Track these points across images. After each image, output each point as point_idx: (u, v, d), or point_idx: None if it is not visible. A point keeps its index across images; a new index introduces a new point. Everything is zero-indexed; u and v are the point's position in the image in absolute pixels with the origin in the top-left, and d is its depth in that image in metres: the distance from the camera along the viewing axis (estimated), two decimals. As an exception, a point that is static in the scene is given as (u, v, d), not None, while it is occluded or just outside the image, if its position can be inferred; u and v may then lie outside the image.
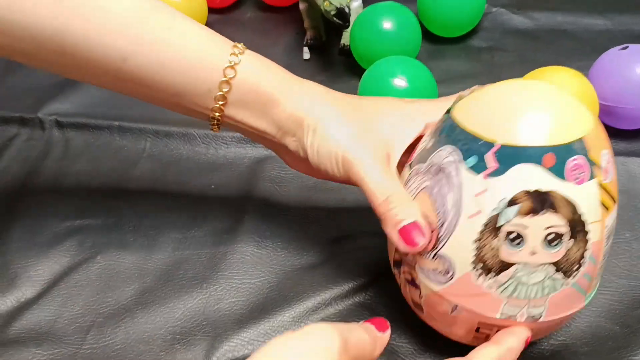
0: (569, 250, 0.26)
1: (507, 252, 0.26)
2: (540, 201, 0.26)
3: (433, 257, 0.28)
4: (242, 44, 0.33)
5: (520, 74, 0.47)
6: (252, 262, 0.39)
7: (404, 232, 0.29)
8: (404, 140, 0.32)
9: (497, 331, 0.29)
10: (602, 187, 0.27)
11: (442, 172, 0.28)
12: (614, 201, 0.28)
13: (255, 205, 0.42)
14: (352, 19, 0.51)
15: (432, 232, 0.28)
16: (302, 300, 0.36)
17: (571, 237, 0.26)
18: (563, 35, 0.54)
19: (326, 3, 0.47)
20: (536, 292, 0.27)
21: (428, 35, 0.54)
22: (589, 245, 0.27)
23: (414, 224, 0.28)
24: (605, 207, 0.27)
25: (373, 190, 0.30)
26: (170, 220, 0.42)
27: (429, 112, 0.32)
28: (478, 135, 0.27)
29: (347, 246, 0.39)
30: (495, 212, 0.26)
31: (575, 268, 0.27)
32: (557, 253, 0.26)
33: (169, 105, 0.34)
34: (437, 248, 0.28)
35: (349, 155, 0.31)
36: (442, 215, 0.28)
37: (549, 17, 0.55)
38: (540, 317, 0.28)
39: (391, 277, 0.33)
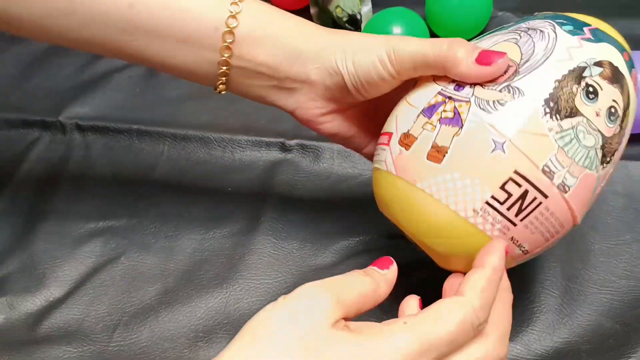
0: (615, 134, 0.29)
1: (580, 101, 0.28)
2: (617, 76, 0.29)
3: (502, 89, 0.29)
4: None
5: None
6: (270, 263, 0.41)
7: (483, 55, 0.29)
8: None
9: (518, 197, 0.28)
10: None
11: (534, 29, 0.30)
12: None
13: (270, 207, 0.44)
14: (362, 24, 0.52)
15: (511, 67, 0.29)
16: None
17: (621, 122, 0.30)
18: (568, 39, 0.55)
19: (338, 10, 0.49)
20: (581, 157, 0.28)
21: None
22: (621, 145, 0.31)
23: (490, 50, 0.29)
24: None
25: (433, 45, 0.30)
26: (189, 222, 0.44)
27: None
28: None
29: (360, 247, 0.41)
30: (583, 65, 0.29)
31: (608, 158, 0.30)
32: (610, 128, 0.29)
33: (176, 61, 0.33)
34: (512, 80, 0.29)
35: (396, 43, 0.31)
36: (526, 56, 0.29)
37: (554, 21, 0.57)
38: (568, 190, 0.28)
39: (405, 276, 0.35)
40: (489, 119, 0.28)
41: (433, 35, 0.55)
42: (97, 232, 0.43)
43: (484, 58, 0.29)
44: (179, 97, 0.52)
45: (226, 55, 0.32)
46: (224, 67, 0.33)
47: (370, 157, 0.36)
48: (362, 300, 0.27)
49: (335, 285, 0.26)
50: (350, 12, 0.48)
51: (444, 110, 0.29)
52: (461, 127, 0.28)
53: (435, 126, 0.29)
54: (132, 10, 0.31)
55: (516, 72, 0.29)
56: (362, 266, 0.39)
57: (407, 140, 0.30)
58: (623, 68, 0.30)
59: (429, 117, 0.29)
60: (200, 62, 0.33)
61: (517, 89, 0.28)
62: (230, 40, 0.32)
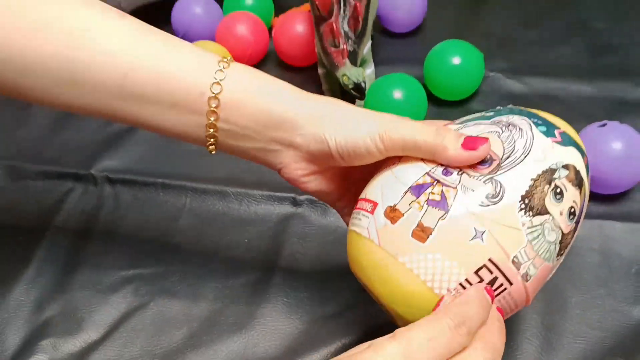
0: (570, 231, 0.33)
1: (549, 200, 0.32)
2: (579, 179, 0.33)
3: (486, 181, 0.32)
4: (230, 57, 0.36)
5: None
6: (283, 311, 0.46)
7: (468, 141, 0.32)
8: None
9: (488, 282, 0.31)
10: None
11: (514, 126, 0.34)
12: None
13: (283, 258, 0.49)
14: (366, 88, 0.57)
15: (494, 160, 0.32)
16: (329, 344, 0.43)
17: (576, 220, 0.33)
18: (553, 101, 0.60)
19: (345, 77, 0.54)
20: (544, 251, 0.32)
21: (433, 99, 0.61)
22: (573, 239, 0.34)
23: (473, 137, 0.32)
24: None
25: (425, 130, 0.33)
26: (210, 271, 0.49)
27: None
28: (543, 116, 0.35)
29: (366, 294, 0.46)
30: (554, 166, 0.33)
31: (563, 251, 0.33)
32: (568, 226, 0.33)
33: (168, 124, 0.36)
34: (495, 173, 0.32)
35: (388, 124, 0.33)
36: (507, 151, 0.33)
37: (541, 83, 0.62)
38: (529, 279, 0.32)
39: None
40: (473, 208, 0.31)
41: (430, 95, 0.61)
42: (127, 279, 0.48)
43: (470, 143, 0.32)
44: (199, 151, 0.56)
45: (212, 118, 0.35)
46: (211, 130, 0.35)
47: (339, 209, 0.41)
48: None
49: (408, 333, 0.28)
50: (356, 81, 0.53)
51: (432, 193, 0.32)
52: (447, 212, 0.31)
53: (423, 206, 0.32)
54: (127, 80, 0.35)
55: (499, 166, 0.32)
56: (366, 315, 0.45)
57: (393, 214, 0.32)
58: (583, 172, 0.34)
59: (417, 197, 0.32)
60: (189, 125, 0.36)
61: (500, 183, 0.32)
62: (215, 105, 0.34)
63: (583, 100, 0.60)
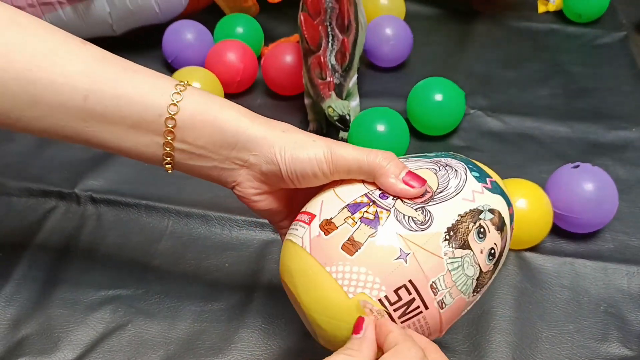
0: (488, 271, 0.36)
1: (472, 237, 0.35)
2: (502, 225, 0.36)
3: (417, 209, 0.35)
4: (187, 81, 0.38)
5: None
6: (260, 336, 0.46)
7: (409, 176, 0.35)
8: None
9: (405, 302, 0.33)
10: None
11: (451, 167, 0.37)
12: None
13: (262, 285, 0.50)
14: (351, 120, 0.59)
15: (428, 192, 0.35)
16: (302, 372, 0.44)
17: (495, 262, 0.36)
18: (529, 139, 0.63)
19: (330, 109, 0.56)
20: (461, 283, 0.34)
21: (415, 133, 0.63)
22: (490, 281, 0.36)
23: (416, 175, 0.35)
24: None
25: (368, 155, 0.35)
26: (190, 294, 0.49)
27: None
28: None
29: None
30: (481, 208, 0.36)
31: (479, 289, 0.36)
32: (487, 265, 0.35)
33: (127, 144, 0.38)
34: (427, 203, 0.35)
35: (334, 148, 0.36)
36: (441, 187, 0.36)
37: (518, 122, 0.64)
38: (444, 307, 0.34)
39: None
40: (401, 231, 0.34)
41: (412, 129, 0.62)
42: (107, 299, 0.49)
43: (410, 180, 0.35)
44: (184, 174, 0.58)
45: (169, 138, 0.37)
46: (168, 149, 0.37)
47: (281, 229, 0.42)
48: None
49: None
50: (341, 113, 0.55)
51: (367, 212, 0.34)
52: (377, 230, 0.34)
53: (356, 223, 0.34)
54: (87, 102, 0.36)
55: (431, 198, 0.35)
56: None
57: (328, 227, 0.35)
58: (507, 219, 0.37)
59: (352, 213, 0.35)
60: (148, 145, 0.37)
61: (430, 212, 0.35)
62: (172, 125, 0.36)
63: (558, 141, 0.62)
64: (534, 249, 0.51)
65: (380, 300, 0.33)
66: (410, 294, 0.33)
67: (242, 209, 0.54)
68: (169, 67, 0.70)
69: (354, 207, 0.35)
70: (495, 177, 0.39)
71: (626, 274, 0.49)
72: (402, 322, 0.34)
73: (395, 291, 0.33)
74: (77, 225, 0.54)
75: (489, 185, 0.37)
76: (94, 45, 0.38)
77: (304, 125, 0.65)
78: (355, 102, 0.62)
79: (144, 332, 0.46)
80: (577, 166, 0.51)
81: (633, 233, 0.53)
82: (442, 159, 0.38)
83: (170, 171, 0.39)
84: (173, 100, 0.37)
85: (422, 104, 0.62)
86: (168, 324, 0.47)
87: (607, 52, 0.74)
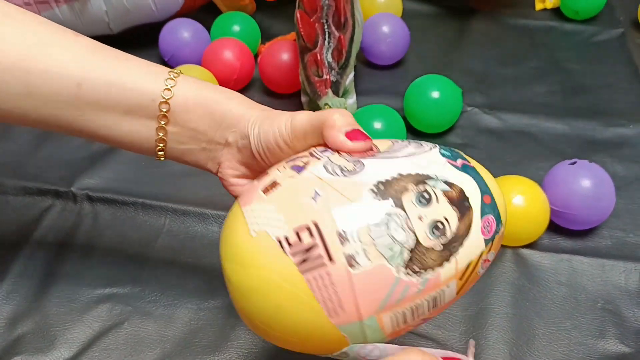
0: (433, 249, 0.30)
1: (409, 198, 0.30)
2: (462, 204, 0.31)
3: (351, 160, 0.32)
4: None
5: (489, 171, 0.56)
6: (257, 335, 0.46)
7: (353, 133, 0.33)
8: None
9: (306, 248, 0.29)
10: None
11: (420, 144, 0.34)
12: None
13: (260, 282, 0.50)
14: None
15: (373, 151, 0.33)
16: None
17: (445, 243, 0.30)
18: (527, 137, 0.63)
19: (327, 107, 0.56)
20: (383, 244, 0.29)
21: (412, 130, 0.63)
22: (444, 270, 0.30)
23: (360, 131, 0.34)
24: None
25: (318, 114, 0.35)
26: (187, 292, 0.49)
27: None
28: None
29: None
30: (433, 176, 0.31)
31: (417, 268, 0.30)
32: (429, 240, 0.30)
33: (121, 132, 0.38)
34: (364, 157, 0.32)
35: (295, 117, 0.36)
36: (392, 151, 0.33)
37: (516, 119, 0.64)
38: (356, 267, 0.29)
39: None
40: (323, 175, 0.31)
41: (409, 127, 0.62)
42: (103, 298, 0.48)
43: (351, 134, 0.34)
44: (181, 172, 0.58)
45: (162, 122, 0.38)
46: (161, 134, 0.38)
47: None
48: None
49: None
50: (337, 110, 0.55)
51: (299, 160, 0.33)
52: (298, 173, 0.32)
53: (285, 168, 0.33)
54: (80, 89, 0.37)
55: (373, 155, 0.32)
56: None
57: (261, 176, 0.35)
58: (475, 204, 0.32)
59: (286, 163, 0.34)
60: (141, 130, 0.38)
61: (363, 164, 0.32)
62: (166, 109, 0.37)
63: (555, 138, 0.62)
64: (531, 245, 0.51)
65: (279, 240, 0.30)
66: (312, 236, 0.29)
67: (238, 207, 0.55)
68: (166, 66, 0.70)
69: (291, 161, 0.34)
70: (478, 166, 0.34)
71: (623, 271, 0.49)
72: (304, 274, 0.29)
73: (297, 231, 0.30)
74: (73, 223, 0.54)
75: (457, 164, 0.33)
76: (87, 37, 0.39)
77: (301, 123, 0.65)
78: (352, 99, 0.62)
79: (140, 331, 0.46)
80: (574, 163, 0.51)
81: (630, 230, 0.53)
82: (425, 144, 0.35)
83: (162, 159, 0.40)
84: (167, 86, 0.38)
85: (419, 102, 0.62)
86: (165, 322, 0.47)
87: (605, 49, 0.74)
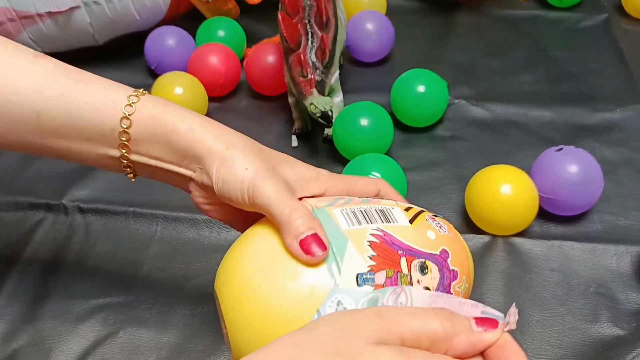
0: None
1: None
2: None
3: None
4: (142, 89, 0.38)
5: (478, 162, 0.56)
6: (252, 336, 0.46)
7: (305, 242, 0.32)
8: (305, 189, 0.36)
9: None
10: None
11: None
12: None
13: (253, 284, 0.50)
14: (334, 115, 0.59)
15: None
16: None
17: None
18: (515, 126, 0.63)
19: (312, 106, 0.56)
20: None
21: (400, 125, 0.63)
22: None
23: (315, 236, 0.32)
24: None
25: (279, 205, 0.33)
26: (180, 298, 0.49)
27: (331, 181, 0.38)
28: None
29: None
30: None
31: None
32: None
33: (87, 157, 0.38)
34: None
35: (258, 183, 0.34)
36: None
37: (503, 109, 0.64)
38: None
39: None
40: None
41: (397, 122, 0.62)
42: (97, 308, 0.49)
43: (305, 245, 0.32)
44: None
45: (124, 151, 0.37)
46: (125, 161, 0.38)
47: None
48: (419, 337, 0.28)
49: (395, 321, 0.28)
50: (323, 109, 0.55)
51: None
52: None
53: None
54: (40, 119, 0.37)
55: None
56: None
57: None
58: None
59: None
60: (106, 157, 0.38)
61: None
62: (126, 139, 0.37)
63: (543, 126, 0.62)
64: (521, 234, 0.51)
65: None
66: None
67: (229, 211, 0.55)
68: (153, 74, 0.70)
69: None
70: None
71: (615, 254, 0.49)
72: None
73: None
74: (65, 235, 0.55)
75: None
76: (47, 57, 0.38)
77: (289, 125, 0.65)
78: (338, 98, 0.62)
79: (135, 339, 0.46)
80: (561, 149, 0.51)
81: (620, 213, 0.53)
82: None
83: (133, 180, 0.40)
84: (125, 113, 0.36)
85: (405, 96, 0.62)
86: (159, 329, 0.47)
87: (590, 35, 0.74)
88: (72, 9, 0.67)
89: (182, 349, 0.46)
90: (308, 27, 0.59)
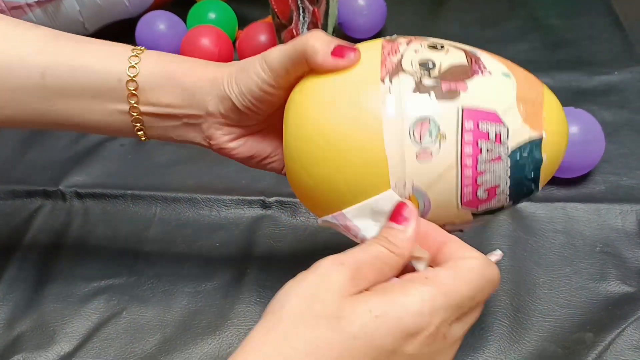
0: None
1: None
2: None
3: None
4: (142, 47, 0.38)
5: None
6: (256, 311, 0.46)
7: (338, 49, 0.32)
8: None
9: None
10: None
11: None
12: None
13: (255, 260, 0.49)
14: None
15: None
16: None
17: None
18: (512, 94, 0.62)
19: (307, 80, 0.55)
20: None
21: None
22: None
23: (338, 45, 0.32)
24: None
25: (291, 47, 0.33)
26: (182, 277, 0.49)
27: None
28: None
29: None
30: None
31: None
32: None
33: (94, 117, 0.37)
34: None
35: (265, 54, 0.34)
36: None
37: (500, 77, 0.64)
38: None
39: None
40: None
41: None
42: (99, 290, 0.48)
43: (339, 52, 0.32)
44: (168, 162, 0.58)
45: (133, 101, 0.37)
46: (135, 114, 0.37)
47: (278, 171, 0.39)
48: (380, 265, 0.28)
49: (353, 257, 0.28)
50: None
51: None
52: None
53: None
54: (45, 79, 0.36)
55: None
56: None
57: None
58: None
59: None
60: (114, 114, 0.37)
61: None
62: (133, 88, 0.36)
63: (541, 92, 0.61)
64: (524, 197, 0.50)
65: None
66: None
67: (228, 189, 0.54)
68: (145, 60, 0.70)
69: None
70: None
71: (620, 213, 0.49)
72: None
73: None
74: (64, 221, 0.54)
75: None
76: (45, 27, 0.38)
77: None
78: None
79: (139, 318, 0.46)
80: (560, 110, 0.51)
81: (624, 173, 0.52)
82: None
83: (144, 139, 0.39)
84: (131, 63, 0.36)
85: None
86: (163, 307, 0.47)
87: (584, 2, 0.73)
88: (60, -4, 0.66)
89: (187, 325, 0.45)
90: (299, 2, 0.58)
